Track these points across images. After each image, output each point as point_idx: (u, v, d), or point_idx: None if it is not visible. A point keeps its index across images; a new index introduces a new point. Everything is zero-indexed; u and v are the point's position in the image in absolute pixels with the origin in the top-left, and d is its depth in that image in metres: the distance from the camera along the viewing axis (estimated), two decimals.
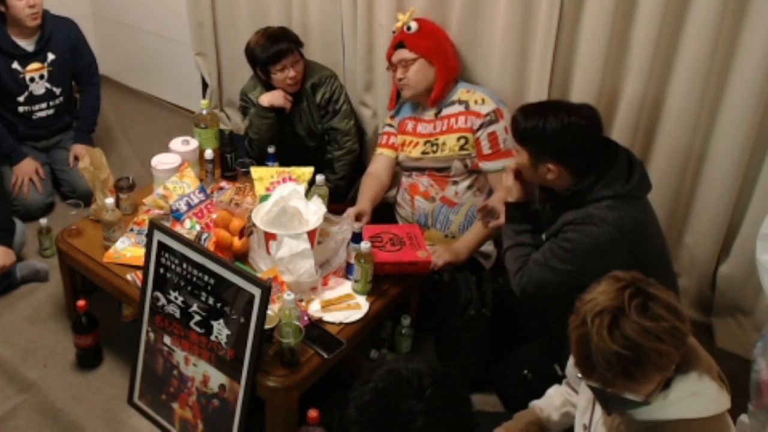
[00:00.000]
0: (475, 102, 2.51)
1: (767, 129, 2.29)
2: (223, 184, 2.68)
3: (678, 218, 2.56)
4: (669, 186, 2.48)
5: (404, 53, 2.52)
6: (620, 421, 1.50)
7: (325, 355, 2.01)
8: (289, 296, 2.00)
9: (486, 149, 2.49)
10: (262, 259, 2.24)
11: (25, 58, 3.09)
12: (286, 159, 2.78)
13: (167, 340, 2.12)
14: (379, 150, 2.75)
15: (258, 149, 2.89)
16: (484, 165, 2.52)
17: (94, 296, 2.54)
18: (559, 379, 1.97)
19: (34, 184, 3.14)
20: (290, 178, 2.47)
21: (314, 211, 2.25)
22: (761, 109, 2.24)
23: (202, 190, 2.47)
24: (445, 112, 2.56)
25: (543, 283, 1.99)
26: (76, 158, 3.22)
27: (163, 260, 2.06)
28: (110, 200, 2.40)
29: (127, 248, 2.38)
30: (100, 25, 4.20)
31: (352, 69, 3.06)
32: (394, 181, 2.79)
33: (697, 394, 1.41)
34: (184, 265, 2.01)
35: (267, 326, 1.94)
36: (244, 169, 2.69)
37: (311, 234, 2.18)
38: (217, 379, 2.03)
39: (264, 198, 2.38)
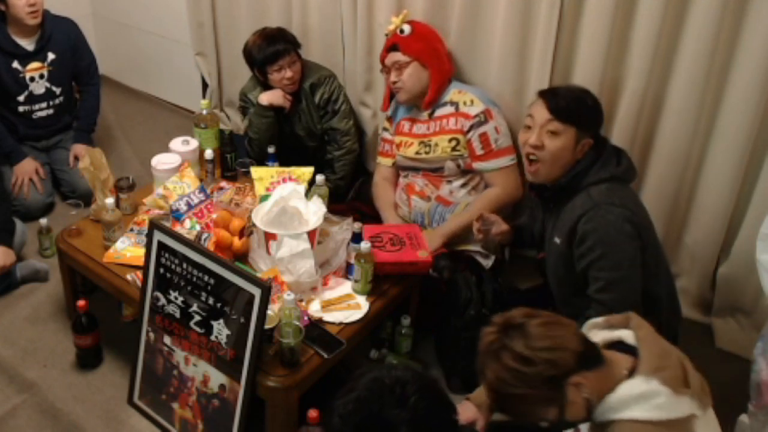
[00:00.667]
0: (464, 103, 2.52)
1: (767, 129, 2.30)
2: (223, 184, 2.68)
3: (678, 218, 2.56)
4: (669, 187, 2.48)
5: (398, 56, 2.53)
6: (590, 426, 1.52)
7: (325, 355, 2.01)
8: (289, 296, 1.99)
9: (478, 150, 2.51)
10: (262, 259, 2.24)
11: (26, 58, 3.09)
12: (285, 159, 2.78)
13: (167, 340, 2.12)
14: (378, 159, 2.80)
15: (258, 149, 2.90)
16: (478, 165, 2.53)
17: (94, 296, 2.54)
18: None
19: (34, 184, 3.14)
20: (290, 178, 2.47)
21: (314, 211, 2.25)
22: (761, 109, 2.24)
23: (202, 190, 2.47)
24: (438, 112, 2.58)
25: (629, 298, 1.92)
26: (76, 158, 3.22)
27: (163, 260, 2.06)
28: (110, 200, 2.40)
29: (127, 248, 2.38)
30: (100, 25, 4.20)
31: (352, 69, 3.06)
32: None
33: (645, 397, 1.40)
34: (184, 265, 2.01)
35: (267, 326, 1.94)
36: (244, 169, 2.68)
37: (311, 234, 2.18)
38: (217, 379, 2.02)
39: (264, 198, 2.38)
